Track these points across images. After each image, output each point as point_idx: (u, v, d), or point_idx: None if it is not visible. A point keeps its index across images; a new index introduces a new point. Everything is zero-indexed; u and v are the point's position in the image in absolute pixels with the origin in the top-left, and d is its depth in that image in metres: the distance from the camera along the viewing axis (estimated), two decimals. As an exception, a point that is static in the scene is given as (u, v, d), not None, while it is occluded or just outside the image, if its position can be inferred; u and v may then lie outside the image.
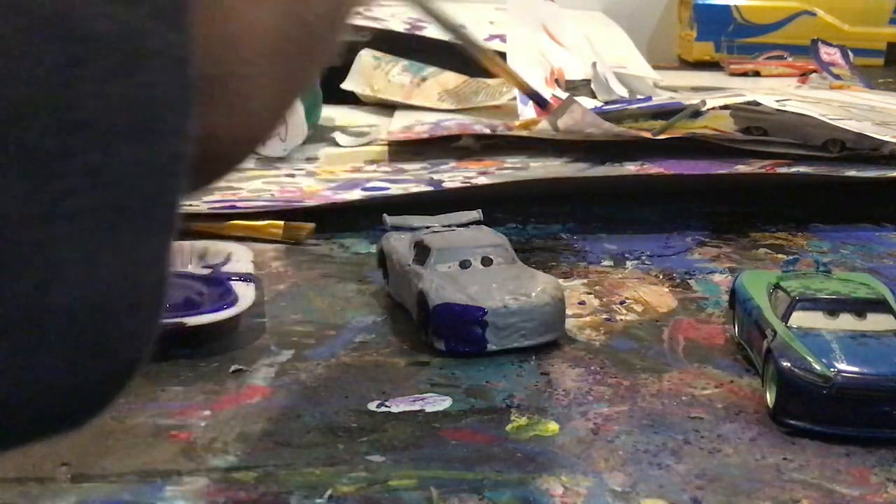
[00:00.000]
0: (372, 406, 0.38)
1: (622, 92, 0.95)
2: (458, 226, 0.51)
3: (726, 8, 1.15)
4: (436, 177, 0.70)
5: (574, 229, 0.61)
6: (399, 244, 0.49)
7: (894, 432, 0.35)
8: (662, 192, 0.68)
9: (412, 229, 0.50)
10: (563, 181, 0.68)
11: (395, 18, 0.96)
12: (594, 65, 0.96)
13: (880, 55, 1.14)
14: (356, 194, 0.65)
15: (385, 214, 0.52)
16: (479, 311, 0.42)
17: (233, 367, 0.42)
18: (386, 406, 0.38)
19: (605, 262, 0.56)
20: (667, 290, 0.51)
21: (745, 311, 0.42)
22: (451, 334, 0.43)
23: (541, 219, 0.63)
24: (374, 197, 0.64)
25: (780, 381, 0.36)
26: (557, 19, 1.05)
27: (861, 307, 0.39)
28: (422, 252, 0.47)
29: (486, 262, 0.46)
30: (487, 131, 0.78)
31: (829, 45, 1.01)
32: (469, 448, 0.35)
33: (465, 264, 0.46)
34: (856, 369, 0.35)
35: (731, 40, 1.14)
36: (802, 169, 0.67)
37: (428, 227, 0.50)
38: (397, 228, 0.51)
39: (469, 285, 0.44)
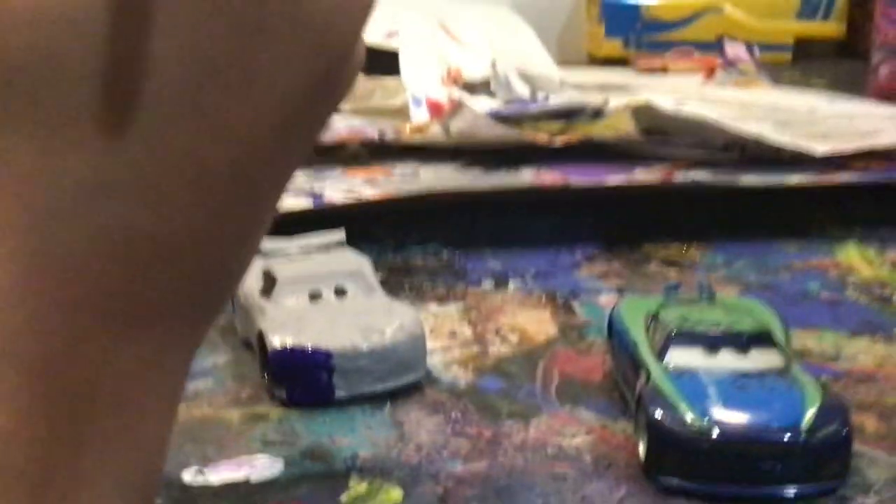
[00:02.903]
0: (187, 476, 0.33)
1: (524, 91, 0.91)
2: (318, 248, 0.45)
3: (633, 5, 1.12)
4: (317, 187, 0.64)
5: (458, 244, 0.57)
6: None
7: (778, 490, 0.31)
8: (554, 201, 0.64)
9: (262, 254, 0.45)
10: (447, 195, 0.63)
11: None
12: (493, 63, 0.92)
13: (788, 50, 1.12)
14: None
15: None
16: (324, 355, 0.37)
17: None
18: (203, 475, 0.33)
19: (486, 283, 0.51)
20: (548, 314, 0.47)
21: (621, 345, 0.38)
22: (292, 382, 0.38)
23: (422, 234, 0.59)
24: None
25: (651, 433, 0.32)
26: (458, 16, 1.01)
27: (743, 342, 0.35)
28: (268, 282, 0.42)
29: (340, 292, 0.41)
30: (375, 137, 0.73)
31: (735, 41, 0.99)
32: (295, 524, 0.30)
33: (315, 296, 0.41)
34: (733, 419, 0.31)
35: (639, 37, 1.11)
36: (700, 176, 0.63)
37: (285, 251, 0.45)
38: None
39: (314, 323, 0.39)
